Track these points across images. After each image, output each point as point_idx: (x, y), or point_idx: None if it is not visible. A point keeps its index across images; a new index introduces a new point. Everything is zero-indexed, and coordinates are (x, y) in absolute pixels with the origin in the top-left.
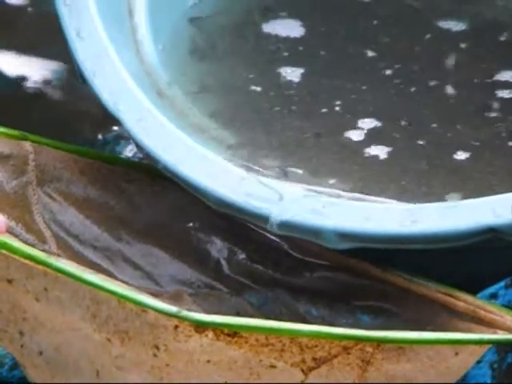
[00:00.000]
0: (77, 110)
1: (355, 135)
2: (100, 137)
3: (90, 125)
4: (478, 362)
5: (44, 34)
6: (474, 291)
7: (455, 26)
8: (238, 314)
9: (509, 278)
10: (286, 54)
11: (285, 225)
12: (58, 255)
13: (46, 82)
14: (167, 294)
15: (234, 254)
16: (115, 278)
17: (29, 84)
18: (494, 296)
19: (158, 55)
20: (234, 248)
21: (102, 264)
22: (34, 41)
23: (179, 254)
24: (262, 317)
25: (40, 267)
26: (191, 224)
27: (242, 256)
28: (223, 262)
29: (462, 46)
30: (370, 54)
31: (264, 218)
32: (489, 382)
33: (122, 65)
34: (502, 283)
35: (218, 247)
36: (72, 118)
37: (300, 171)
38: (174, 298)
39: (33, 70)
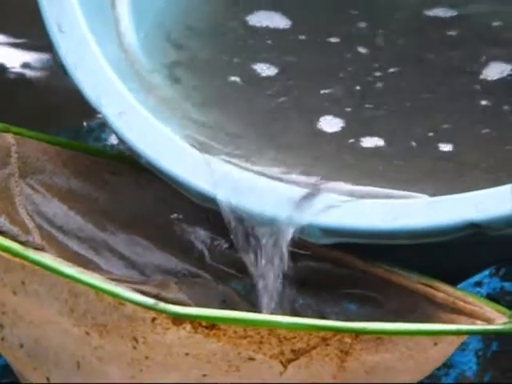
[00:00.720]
0: (61, 97)
1: (332, 125)
2: (85, 124)
3: (75, 112)
4: (463, 349)
5: (29, 21)
6: (455, 282)
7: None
8: (224, 302)
9: (493, 266)
10: (268, 43)
11: (267, 220)
12: (42, 246)
13: (30, 70)
14: (153, 282)
15: (217, 243)
16: (100, 268)
17: (12, 72)
18: (478, 284)
19: (140, 43)
20: (217, 238)
21: (87, 255)
22: (17, 28)
23: (164, 243)
24: (249, 305)
25: (17, 260)
26: (175, 215)
27: (225, 246)
28: (206, 252)
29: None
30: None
31: (247, 214)
32: (474, 369)
33: (104, 57)
34: (487, 272)
35: (201, 237)
36: (57, 106)
37: (284, 166)
38: (161, 287)
39: (16, 57)
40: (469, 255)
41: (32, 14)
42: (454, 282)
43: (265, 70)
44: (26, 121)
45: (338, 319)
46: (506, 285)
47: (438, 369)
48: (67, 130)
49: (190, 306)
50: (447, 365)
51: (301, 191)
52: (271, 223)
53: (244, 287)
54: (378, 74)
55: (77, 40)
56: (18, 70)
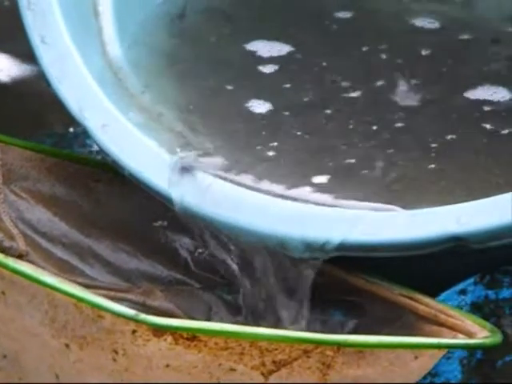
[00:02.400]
0: (46, 102)
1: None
2: (71, 130)
3: (59, 118)
4: (448, 357)
5: (18, 27)
6: (440, 290)
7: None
8: (211, 310)
9: (477, 274)
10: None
11: (250, 235)
12: (27, 252)
13: (15, 75)
14: (139, 290)
15: (201, 251)
16: (85, 274)
17: None
18: (463, 292)
19: (124, 54)
20: (202, 245)
21: (71, 261)
22: (5, 33)
23: (149, 251)
24: (235, 312)
25: None
26: (159, 222)
27: (209, 253)
28: (191, 259)
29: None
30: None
31: (230, 228)
32: (459, 377)
33: (88, 68)
34: (471, 279)
35: (185, 245)
36: (41, 111)
37: (267, 179)
38: (146, 294)
39: (2, 62)
40: (453, 264)
41: (16, 19)
42: (438, 290)
43: (260, 105)
44: (11, 126)
45: (323, 327)
46: (490, 293)
47: (424, 377)
48: (52, 136)
49: (175, 313)
50: (432, 373)
51: (286, 204)
52: (260, 239)
53: (230, 294)
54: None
55: (60, 52)
56: (2, 75)
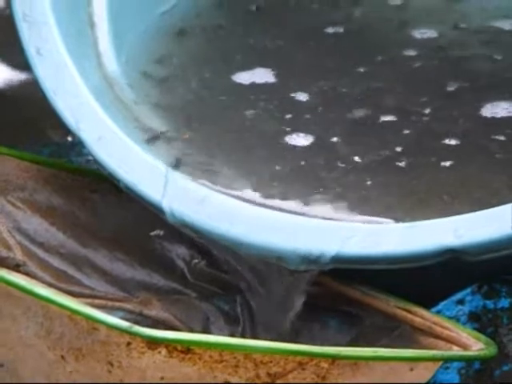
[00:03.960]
0: (44, 111)
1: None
2: (69, 139)
3: (57, 127)
4: (446, 367)
5: (8, 33)
6: (437, 300)
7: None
8: (208, 320)
9: (475, 284)
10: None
11: (245, 247)
12: (24, 262)
13: (11, 84)
14: (136, 300)
15: (197, 261)
16: (82, 284)
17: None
18: (460, 302)
19: (120, 67)
20: (197, 256)
21: (69, 271)
22: (3, 41)
23: (145, 260)
24: (232, 322)
25: None
26: (155, 232)
27: (206, 263)
28: (187, 270)
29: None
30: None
31: (225, 241)
32: None
33: (83, 80)
34: (469, 289)
35: (182, 255)
36: (39, 120)
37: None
38: (143, 304)
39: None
40: (450, 274)
41: (15, 27)
42: (435, 300)
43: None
44: (7, 136)
45: (319, 336)
46: (488, 303)
47: None
48: (49, 145)
49: (173, 323)
50: (430, 383)
51: (274, 214)
52: (255, 252)
53: (227, 304)
54: None
55: (55, 63)
56: (1, 83)
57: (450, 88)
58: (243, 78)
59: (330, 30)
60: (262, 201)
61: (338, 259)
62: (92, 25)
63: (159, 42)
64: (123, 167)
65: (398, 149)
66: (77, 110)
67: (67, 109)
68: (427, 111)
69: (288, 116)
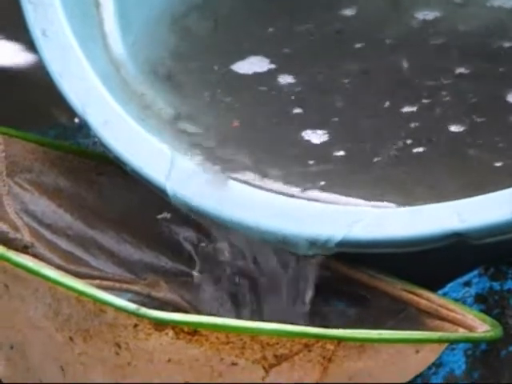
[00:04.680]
0: (51, 93)
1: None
2: (76, 121)
3: (64, 108)
4: (453, 348)
5: (13, 14)
6: (444, 282)
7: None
8: (216, 301)
9: (482, 266)
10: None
11: (253, 232)
12: (32, 244)
13: (19, 65)
14: (144, 281)
15: (204, 244)
16: (90, 265)
17: (2, 67)
18: (467, 284)
19: (127, 49)
20: (205, 238)
21: (76, 252)
22: (10, 21)
23: (153, 243)
24: (238, 304)
25: None
26: (162, 215)
27: (212, 246)
28: (194, 252)
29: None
30: None
31: (233, 226)
32: (463, 368)
33: (90, 64)
34: (476, 271)
35: (189, 238)
36: (46, 102)
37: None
38: (151, 286)
39: (6, 53)
40: (457, 256)
41: (17, 9)
42: (442, 282)
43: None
44: (14, 118)
45: (326, 319)
46: (495, 284)
47: (428, 367)
48: (56, 127)
49: (180, 305)
50: (436, 364)
51: (281, 198)
52: (263, 237)
53: (234, 286)
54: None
55: (62, 46)
56: (6, 65)
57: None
58: (250, 62)
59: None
60: (268, 185)
61: (344, 244)
62: (97, 5)
63: (165, 24)
64: (129, 151)
65: (404, 133)
66: (83, 93)
67: (73, 92)
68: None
69: (292, 97)
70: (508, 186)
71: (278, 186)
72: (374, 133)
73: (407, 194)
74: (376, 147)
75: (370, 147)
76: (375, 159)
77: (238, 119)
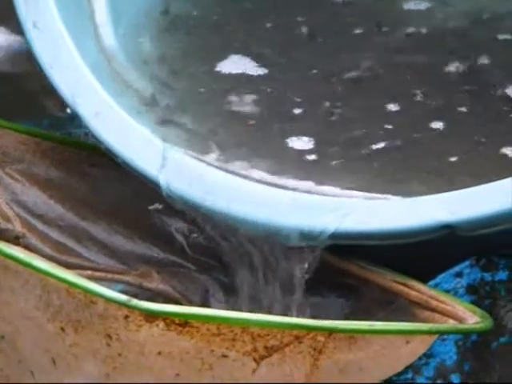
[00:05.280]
0: (41, 83)
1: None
2: (68, 111)
3: (55, 99)
4: (444, 339)
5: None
6: (435, 273)
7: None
8: (207, 292)
9: (473, 257)
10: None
11: (244, 224)
12: (23, 234)
13: (10, 56)
14: (136, 272)
15: (196, 235)
16: (82, 256)
17: None
18: (459, 275)
19: (118, 40)
20: (196, 230)
21: (68, 243)
22: (2, 12)
23: (144, 234)
24: (231, 295)
25: None
26: (154, 206)
27: (204, 237)
28: (186, 243)
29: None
30: None
31: (224, 217)
32: (454, 359)
33: (80, 54)
34: (467, 262)
35: (180, 229)
36: (37, 92)
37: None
38: (143, 277)
39: None
40: (448, 247)
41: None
42: (433, 273)
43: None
44: (6, 108)
45: (318, 310)
46: (486, 275)
47: (419, 358)
48: (48, 117)
49: (172, 295)
50: (427, 354)
51: (273, 191)
52: (254, 228)
53: (226, 276)
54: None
55: (52, 37)
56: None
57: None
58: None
59: None
60: (260, 177)
61: (335, 236)
62: (89, 1)
63: (155, 17)
64: (120, 142)
65: (390, 126)
66: (74, 84)
67: (64, 83)
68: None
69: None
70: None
71: (270, 177)
72: (364, 125)
73: (399, 187)
74: (366, 139)
75: (361, 139)
76: (367, 151)
77: (232, 109)
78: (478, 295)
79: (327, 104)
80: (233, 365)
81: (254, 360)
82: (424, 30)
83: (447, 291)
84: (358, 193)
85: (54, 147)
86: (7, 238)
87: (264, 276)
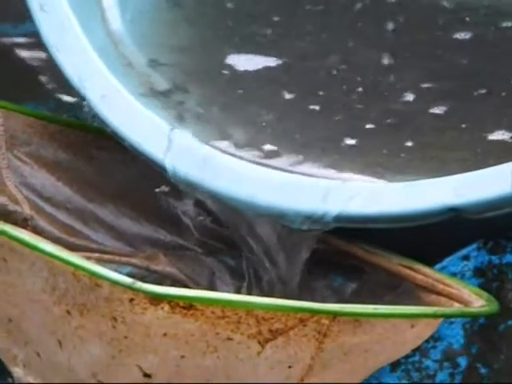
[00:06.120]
0: (50, 65)
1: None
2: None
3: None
4: (451, 322)
5: None
6: (442, 256)
7: None
8: (214, 275)
9: (480, 239)
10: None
11: (249, 207)
12: (31, 216)
13: (17, 38)
14: (142, 254)
15: (202, 218)
16: (89, 239)
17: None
18: (466, 258)
19: (125, 25)
20: (203, 213)
21: (76, 226)
22: None
23: (151, 216)
24: (238, 277)
25: None
26: (161, 188)
27: (211, 220)
28: (192, 226)
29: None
30: None
31: (229, 200)
32: (461, 342)
33: (87, 37)
34: (475, 245)
35: (187, 212)
36: (45, 75)
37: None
38: (150, 259)
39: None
40: (455, 230)
41: None
42: (440, 256)
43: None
44: (12, 91)
45: (324, 293)
46: (494, 258)
47: (426, 341)
48: (55, 99)
49: (179, 278)
50: (434, 337)
51: (277, 174)
52: (259, 211)
53: (232, 259)
54: None
55: (59, 20)
56: (5, 39)
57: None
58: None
59: None
60: (265, 161)
61: (340, 218)
62: None
63: (161, 2)
64: (126, 125)
65: (398, 106)
66: (80, 67)
67: (71, 66)
68: None
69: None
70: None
71: (275, 161)
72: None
73: (405, 169)
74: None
75: (365, 120)
76: (370, 126)
77: (240, 91)
78: (485, 278)
79: (344, 88)
80: (238, 347)
81: (259, 343)
82: None
83: (454, 274)
84: (362, 176)
85: (61, 130)
86: (16, 220)
87: (269, 258)
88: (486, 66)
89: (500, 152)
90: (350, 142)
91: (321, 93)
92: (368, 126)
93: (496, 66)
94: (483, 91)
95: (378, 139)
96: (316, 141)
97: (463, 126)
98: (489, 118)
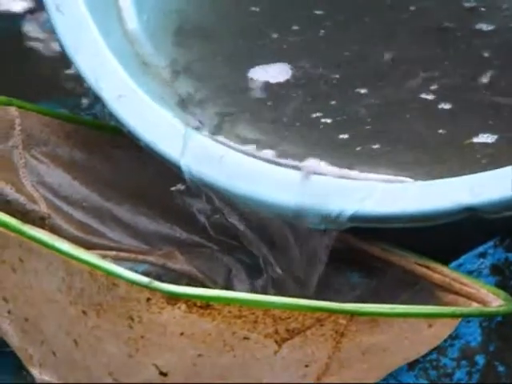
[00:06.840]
0: (66, 64)
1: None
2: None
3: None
4: (468, 321)
5: None
6: (459, 254)
7: None
8: (230, 272)
9: (497, 237)
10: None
11: (265, 207)
12: (49, 215)
13: (35, 37)
14: (159, 252)
15: (218, 216)
16: (106, 237)
17: (17, 40)
18: (482, 255)
19: (141, 25)
20: (218, 210)
21: (92, 224)
22: None
23: (168, 214)
24: (254, 275)
25: (14, 236)
26: (176, 186)
27: (225, 218)
28: (208, 224)
29: None
30: None
31: (245, 200)
32: (478, 340)
33: (104, 38)
34: (491, 242)
35: (202, 210)
36: (61, 74)
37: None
38: (167, 257)
39: (20, 25)
40: (471, 228)
41: None
42: (456, 253)
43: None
44: (28, 90)
45: (341, 291)
46: (510, 255)
47: (444, 340)
48: (73, 98)
49: (196, 276)
50: (452, 336)
51: (293, 174)
52: (275, 211)
53: (249, 257)
54: None
55: (76, 21)
56: (23, 38)
57: None
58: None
59: None
60: (280, 160)
61: (356, 218)
62: None
63: (179, 5)
64: (142, 126)
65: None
66: (97, 67)
67: (87, 67)
68: None
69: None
70: None
71: (291, 161)
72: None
73: (421, 171)
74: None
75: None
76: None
77: (255, 96)
78: (502, 276)
79: (357, 91)
80: (254, 347)
81: (276, 342)
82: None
83: (471, 272)
84: (378, 176)
85: (77, 129)
86: (33, 219)
87: (286, 258)
88: None
89: None
90: (367, 144)
91: (334, 101)
92: (383, 128)
93: None
94: None
95: (393, 140)
96: (332, 142)
97: None
98: None
